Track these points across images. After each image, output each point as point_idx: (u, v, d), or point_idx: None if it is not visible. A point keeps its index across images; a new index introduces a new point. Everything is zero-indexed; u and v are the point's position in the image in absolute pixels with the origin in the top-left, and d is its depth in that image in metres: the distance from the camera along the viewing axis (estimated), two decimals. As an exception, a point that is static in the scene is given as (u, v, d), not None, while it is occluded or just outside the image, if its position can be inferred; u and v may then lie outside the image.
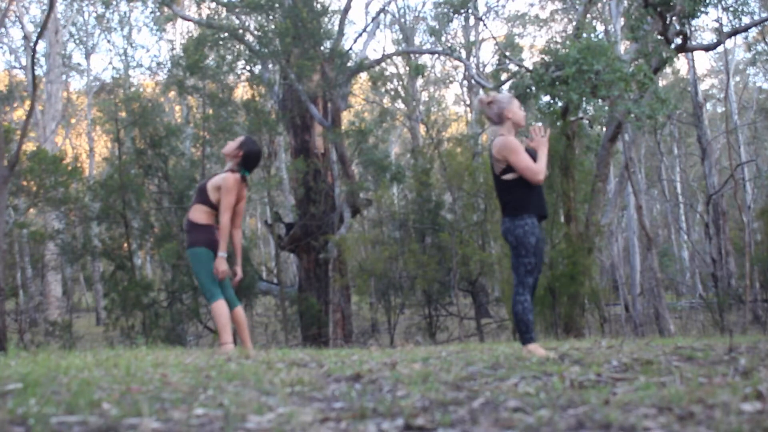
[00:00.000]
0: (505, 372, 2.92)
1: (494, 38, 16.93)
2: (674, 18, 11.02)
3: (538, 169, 3.97)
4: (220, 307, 4.86)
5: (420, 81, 25.89)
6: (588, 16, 14.50)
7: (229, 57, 15.04)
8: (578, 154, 12.12)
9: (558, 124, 11.58)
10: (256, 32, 14.29)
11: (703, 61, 47.13)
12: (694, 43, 13.37)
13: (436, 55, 22.89)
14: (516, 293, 3.94)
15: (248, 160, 5.03)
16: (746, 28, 13.02)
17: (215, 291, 4.88)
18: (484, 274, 14.25)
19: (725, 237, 19.16)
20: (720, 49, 19.81)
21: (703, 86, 28.89)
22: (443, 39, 18.99)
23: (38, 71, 20.10)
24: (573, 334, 10.44)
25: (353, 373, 2.92)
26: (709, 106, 28.87)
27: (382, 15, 18.89)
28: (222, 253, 4.85)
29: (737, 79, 28.26)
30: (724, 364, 3.01)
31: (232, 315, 5.03)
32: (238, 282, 5.16)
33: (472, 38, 24.23)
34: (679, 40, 11.47)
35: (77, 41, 25.40)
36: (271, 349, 4.92)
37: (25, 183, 13.80)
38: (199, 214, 4.98)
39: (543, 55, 11.00)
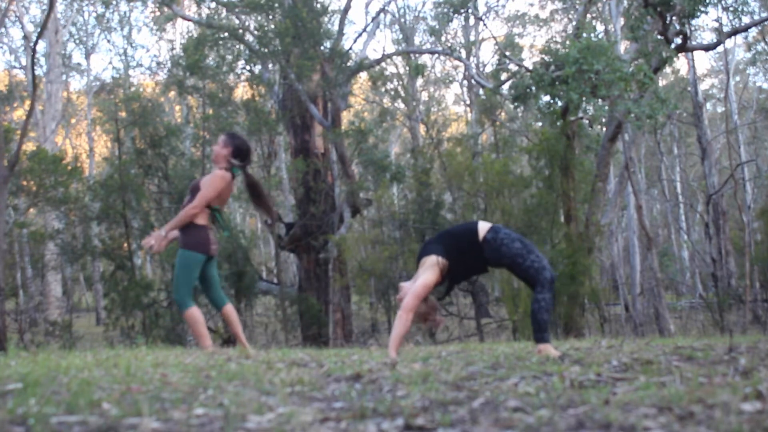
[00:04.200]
0: (505, 372, 2.92)
1: (494, 38, 16.94)
2: (674, 18, 11.02)
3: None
4: (194, 314, 4.71)
5: (420, 81, 25.89)
6: (588, 16, 14.50)
7: (229, 57, 15.06)
8: (578, 154, 12.14)
9: (558, 124, 11.59)
10: (256, 32, 14.30)
11: (703, 61, 47.14)
12: (694, 43, 13.36)
13: (436, 55, 22.90)
14: (534, 292, 4.04)
15: (240, 153, 4.85)
16: (746, 28, 13.03)
17: (188, 300, 4.71)
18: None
19: (725, 237, 19.15)
20: (720, 49, 19.83)
21: (703, 86, 28.90)
22: (443, 39, 19.02)
23: (38, 71, 20.10)
24: (573, 334, 10.45)
25: (353, 373, 2.92)
26: (709, 106, 28.86)
27: (382, 15, 18.89)
28: (161, 232, 4.70)
29: (737, 79, 28.26)
30: (724, 364, 3.01)
31: (223, 313, 4.92)
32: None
33: (472, 38, 24.22)
34: (679, 40, 11.47)
35: (77, 41, 25.42)
36: (271, 349, 4.92)
37: (25, 183, 13.80)
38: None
39: (543, 55, 11.01)
